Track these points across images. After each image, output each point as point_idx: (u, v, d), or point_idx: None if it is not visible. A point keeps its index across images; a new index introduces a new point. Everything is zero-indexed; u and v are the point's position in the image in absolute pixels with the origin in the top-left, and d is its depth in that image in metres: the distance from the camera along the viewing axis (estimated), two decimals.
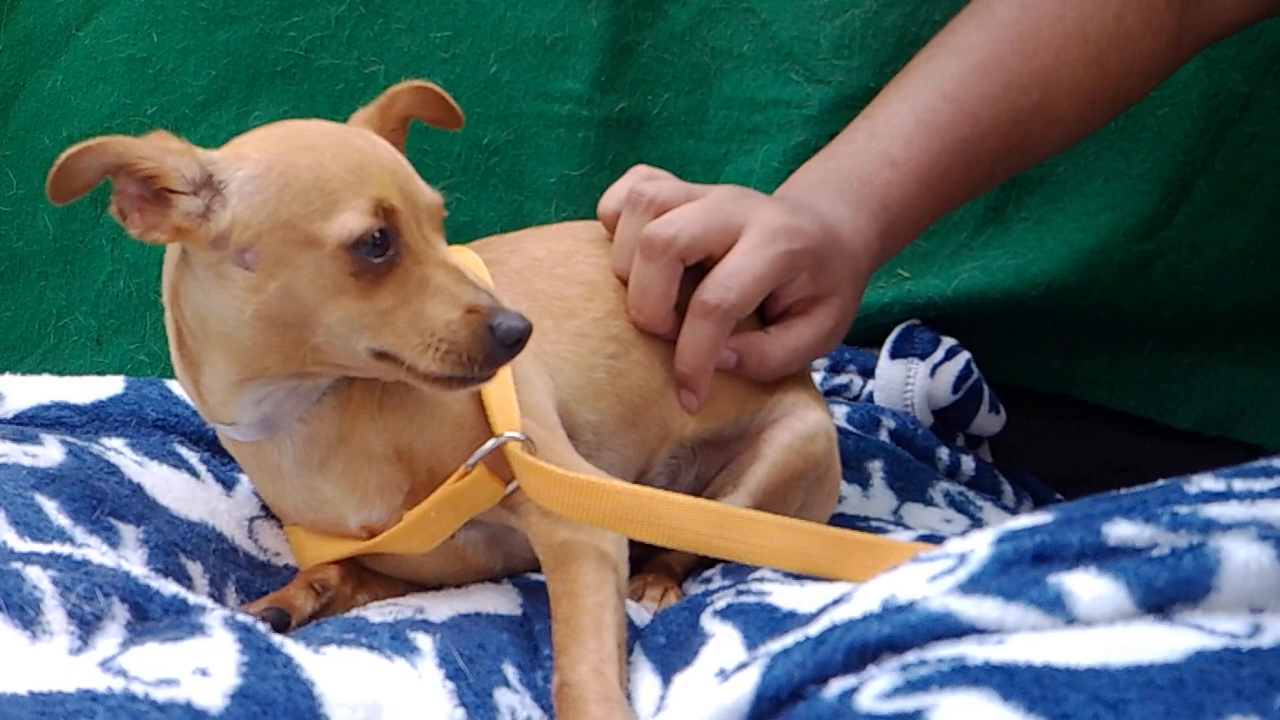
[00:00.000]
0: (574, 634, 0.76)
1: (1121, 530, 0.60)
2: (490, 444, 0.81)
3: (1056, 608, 0.57)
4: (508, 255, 0.96)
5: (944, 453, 1.29)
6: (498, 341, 0.76)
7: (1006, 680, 0.52)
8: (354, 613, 0.82)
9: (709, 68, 1.40)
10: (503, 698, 0.73)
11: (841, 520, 1.05)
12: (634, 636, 0.82)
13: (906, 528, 1.08)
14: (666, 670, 0.77)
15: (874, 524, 1.07)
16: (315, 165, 0.77)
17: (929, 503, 1.17)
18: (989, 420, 1.35)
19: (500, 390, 0.83)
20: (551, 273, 0.96)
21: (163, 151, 0.77)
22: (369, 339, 0.77)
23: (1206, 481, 0.62)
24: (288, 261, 0.76)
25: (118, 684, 0.54)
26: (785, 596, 0.80)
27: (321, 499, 0.84)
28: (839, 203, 1.05)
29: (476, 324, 0.76)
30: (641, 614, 0.87)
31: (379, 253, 0.76)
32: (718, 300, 0.95)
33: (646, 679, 0.77)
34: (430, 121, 0.91)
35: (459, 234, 1.02)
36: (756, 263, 0.96)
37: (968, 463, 1.31)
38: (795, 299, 1.00)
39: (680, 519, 0.80)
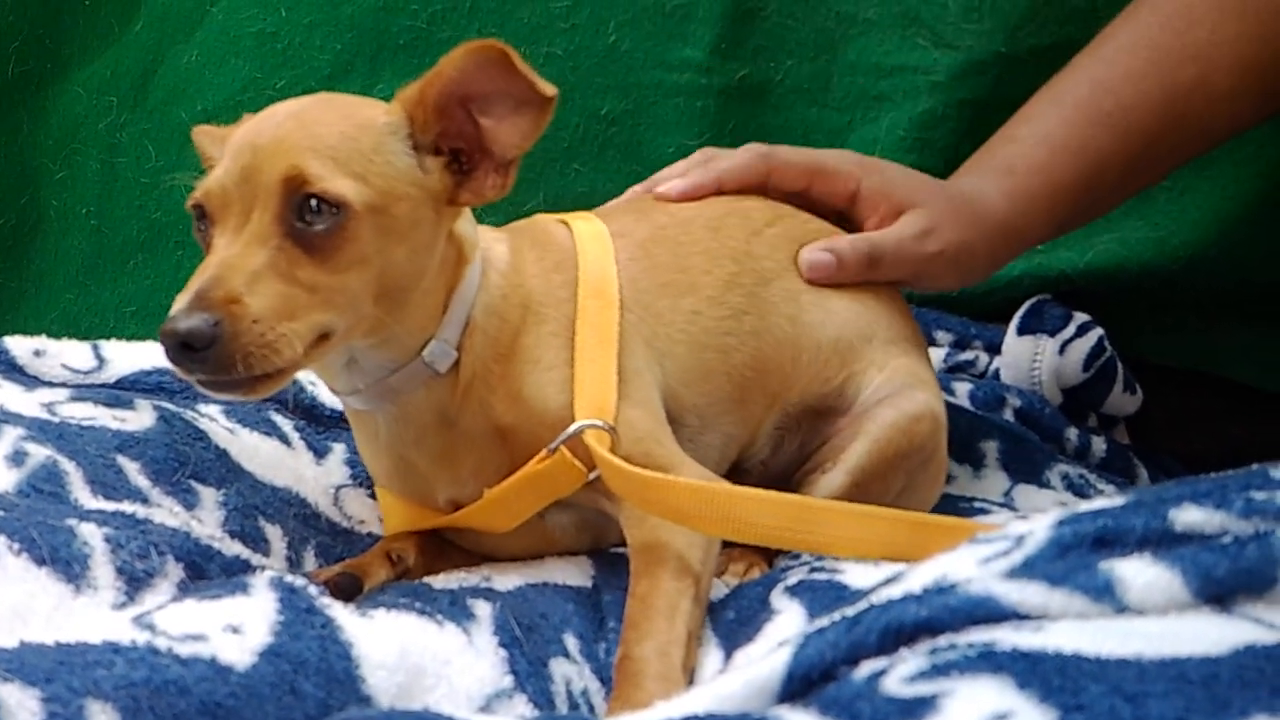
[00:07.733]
0: (646, 612, 0.75)
1: (1189, 516, 0.56)
2: (570, 429, 0.80)
3: (1105, 595, 0.53)
4: (633, 226, 0.94)
5: (1073, 433, 1.24)
6: (162, 343, 0.71)
7: (1029, 668, 0.49)
8: (421, 580, 0.82)
9: (833, 33, 1.36)
10: (558, 668, 0.72)
11: (946, 501, 1.02)
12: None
13: (1014, 510, 1.04)
14: (730, 645, 0.75)
15: (978, 505, 1.03)
16: (236, 137, 0.78)
17: (1044, 484, 1.12)
18: (1124, 400, 1.29)
19: (595, 377, 0.82)
20: (675, 241, 0.94)
21: None
22: None
23: None
24: None
25: (142, 637, 0.55)
26: (858, 575, 0.78)
27: (412, 470, 0.85)
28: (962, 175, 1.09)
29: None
30: (720, 589, 0.85)
31: (201, 226, 0.77)
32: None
33: (711, 654, 0.75)
34: (497, 97, 0.79)
35: (577, 204, 1.02)
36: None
37: (1099, 444, 1.25)
38: None
39: (752, 514, 0.77)
